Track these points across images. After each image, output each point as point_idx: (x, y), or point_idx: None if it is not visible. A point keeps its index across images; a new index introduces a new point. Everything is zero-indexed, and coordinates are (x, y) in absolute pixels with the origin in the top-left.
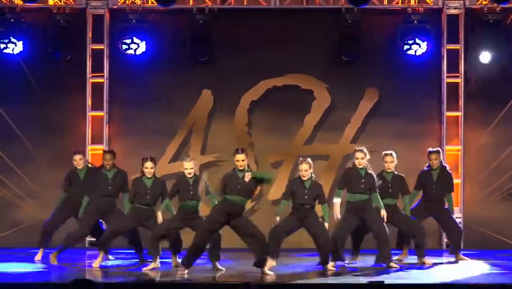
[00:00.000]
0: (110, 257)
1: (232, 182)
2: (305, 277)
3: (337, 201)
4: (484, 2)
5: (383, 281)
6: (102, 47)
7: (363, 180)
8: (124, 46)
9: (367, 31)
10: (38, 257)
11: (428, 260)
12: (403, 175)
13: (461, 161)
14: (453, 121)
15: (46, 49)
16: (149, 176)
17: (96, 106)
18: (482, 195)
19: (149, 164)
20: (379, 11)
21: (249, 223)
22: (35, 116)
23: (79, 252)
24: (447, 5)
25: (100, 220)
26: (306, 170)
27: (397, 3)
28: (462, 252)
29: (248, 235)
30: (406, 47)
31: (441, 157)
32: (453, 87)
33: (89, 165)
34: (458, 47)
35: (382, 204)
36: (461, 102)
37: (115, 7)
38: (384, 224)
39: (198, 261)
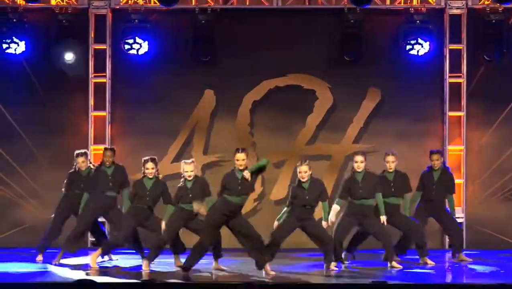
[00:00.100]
0: (114, 257)
1: (231, 182)
2: (307, 277)
3: (336, 208)
4: (486, 2)
5: (386, 281)
6: (105, 47)
7: (360, 186)
8: (127, 46)
9: (369, 31)
10: (40, 258)
11: (430, 260)
12: (405, 173)
13: (463, 161)
14: (456, 121)
15: (48, 49)
16: (150, 176)
17: (99, 106)
18: (484, 195)
19: (150, 164)
20: (382, 11)
21: (247, 225)
22: (37, 116)
23: (81, 252)
24: (449, 5)
25: (101, 222)
26: (305, 171)
27: (400, 3)
28: (464, 252)
29: (245, 236)
30: (408, 47)
31: (443, 158)
32: (455, 87)
33: (92, 166)
34: (461, 47)
35: (383, 210)
36: (464, 102)
37: (118, 7)
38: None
39: (203, 261)
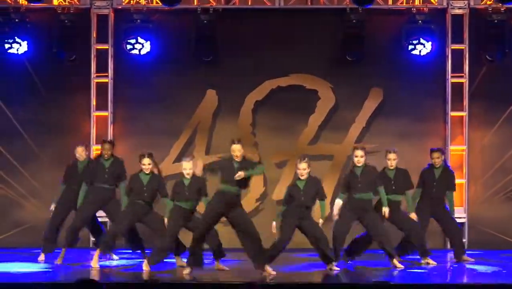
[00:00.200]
0: (115, 256)
1: (227, 170)
2: (308, 277)
3: (338, 202)
4: (488, 2)
5: (388, 282)
6: (107, 47)
7: (359, 180)
8: (129, 46)
9: (371, 31)
10: (42, 257)
11: (432, 260)
12: (406, 169)
13: (466, 161)
14: (458, 121)
15: (50, 49)
16: (147, 172)
17: (101, 106)
18: (487, 195)
19: (146, 160)
20: (384, 11)
21: (245, 220)
22: (39, 115)
23: (83, 252)
24: (451, 5)
25: (101, 222)
26: (304, 168)
27: (402, 3)
28: (466, 252)
29: (243, 232)
30: (410, 47)
31: (443, 155)
32: (457, 87)
33: (91, 158)
34: (463, 47)
35: (385, 201)
36: (466, 102)
37: (120, 7)
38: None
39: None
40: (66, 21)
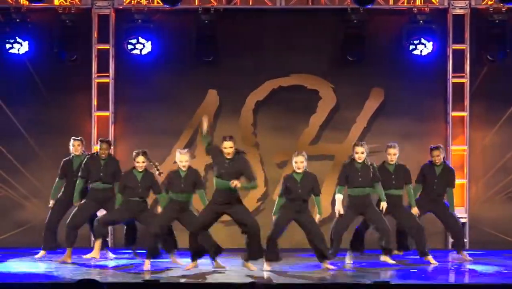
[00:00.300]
0: (110, 254)
1: (219, 165)
2: (309, 277)
3: (339, 197)
4: (489, 2)
5: (389, 281)
6: (108, 47)
7: (359, 174)
8: (130, 46)
9: (372, 31)
10: (40, 255)
11: (433, 259)
12: (405, 165)
13: (467, 161)
14: (459, 121)
15: (51, 49)
16: (140, 170)
17: (102, 106)
18: (488, 195)
19: (140, 158)
20: (385, 11)
21: (243, 212)
22: (41, 116)
23: (84, 252)
24: (452, 5)
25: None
26: (301, 162)
27: (403, 3)
28: (467, 252)
29: (241, 224)
30: (411, 47)
31: (443, 153)
32: (458, 87)
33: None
34: (464, 47)
35: (384, 196)
36: (467, 102)
37: (121, 7)
38: (385, 218)
39: (203, 261)
40: (67, 21)
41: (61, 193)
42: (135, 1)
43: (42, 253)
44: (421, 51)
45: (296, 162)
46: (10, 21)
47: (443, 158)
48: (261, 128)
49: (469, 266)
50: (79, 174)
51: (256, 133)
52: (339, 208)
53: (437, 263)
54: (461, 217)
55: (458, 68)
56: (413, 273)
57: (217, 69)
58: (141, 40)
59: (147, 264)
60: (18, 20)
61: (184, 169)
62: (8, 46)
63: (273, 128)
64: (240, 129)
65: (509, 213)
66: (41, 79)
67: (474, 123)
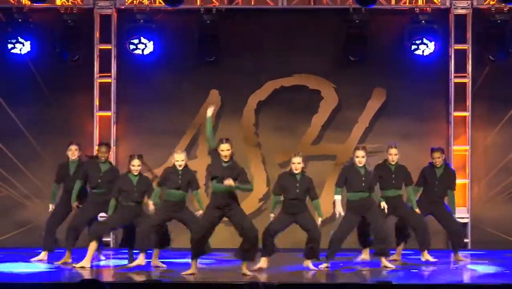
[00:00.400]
0: (102, 257)
1: (215, 166)
2: (309, 277)
3: (338, 198)
4: (491, 2)
5: (391, 281)
6: (110, 47)
7: (363, 179)
8: (132, 46)
9: (374, 31)
10: (39, 258)
11: (431, 257)
12: (405, 166)
13: (469, 161)
14: (461, 121)
15: (53, 49)
16: (135, 173)
17: (104, 106)
18: (490, 195)
19: (136, 162)
20: (387, 11)
21: (241, 217)
22: (43, 116)
23: (84, 252)
24: (454, 5)
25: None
26: (299, 162)
27: (405, 3)
28: (469, 252)
29: (239, 228)
30: (413, 47)
31: (444, 155)
32: (460, 87)
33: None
34: (466, 47)
35: (381, 198)
36: (469, 102)
37: (123, 7)
38: (385, 222)
39: (205, 261)
40: (69, 21)
41: (60, 197)
42: (137, 1)
43: (43, 254)
44: (423, 51)
45: (294, 163)
46: (12, 21)
47: (444, 159)
48: (263, 128)
49: (471, 266)
50: (79, 176)
51: (258, 133)
52: (339, 210)
53: (436, 259)
54: (463, 217)
55: (460, 68)
56: (415, 273)
57: (219, 69)
58: (143, 40)
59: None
60: (20, 20)
61: (180, 168)
62: (10, 46)
63: (275, 128)
64: (242, 129)
65: (511, 213)
66: (43, 79)
67: (476, 123)
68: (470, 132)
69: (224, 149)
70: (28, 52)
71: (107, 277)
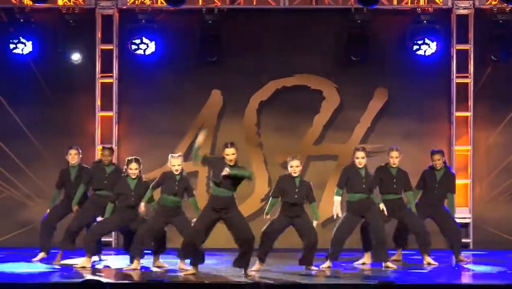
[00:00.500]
0: (103, 257)
1: (217, 171)
2: (313, 277)
3: (337, 199)
4: (493, 2)
5: (393, 282)
6: (112, 47)
7: (364, 180)
8: (134, 46)
9: (376, 31)
10: (38, 258)
11: (432, 261)
12: (406, 172)
13: (470, 161)
14: (463, 121)
15: (55, 49)
16: (133, 177)
17: (106, 106)
18: (492, 195)
19: (133, 165)
20: (388, 11)
21: (239, 222)
22: (44, 116)
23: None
24: (456, 5)
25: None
26: (297, 166)
27: (407, 3)
28: (471, 252)
29: (235, 235)
30: (415, 47)
31: (444, 157)
32: (462, 87)
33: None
34: (468, 47)
35: (380, 200)
36: (471, 102)
37: (125, 7)
38: (384, 225)
39: (207, 261)
40: (71, 21)
41: (60, 199)
42: (139, 1)
43: (41, 255)
44: (424, 51)
45: (291, 166)
46: (14, 21)
47: (445, 162)
48: (265, 128)
49: (472, 267)
50: (83, 180)
51: (260, 133)
52: (337, 211)
53: (437, 264)
54: (465, 217)
55: (462, 68)
56: (417, 273)
57: (220, 69)
58: (145, 40)
59: (136, 264)
60: (22, 20)
61: (176, 173)
62: (12, 46)
63: (277, 128)
64: (243, 129)
65: None
66: (44, 79)
67: (478, 123)
68: (472, 132)
69: (229, 153)
70: (30, 52)
71: (108, 277)
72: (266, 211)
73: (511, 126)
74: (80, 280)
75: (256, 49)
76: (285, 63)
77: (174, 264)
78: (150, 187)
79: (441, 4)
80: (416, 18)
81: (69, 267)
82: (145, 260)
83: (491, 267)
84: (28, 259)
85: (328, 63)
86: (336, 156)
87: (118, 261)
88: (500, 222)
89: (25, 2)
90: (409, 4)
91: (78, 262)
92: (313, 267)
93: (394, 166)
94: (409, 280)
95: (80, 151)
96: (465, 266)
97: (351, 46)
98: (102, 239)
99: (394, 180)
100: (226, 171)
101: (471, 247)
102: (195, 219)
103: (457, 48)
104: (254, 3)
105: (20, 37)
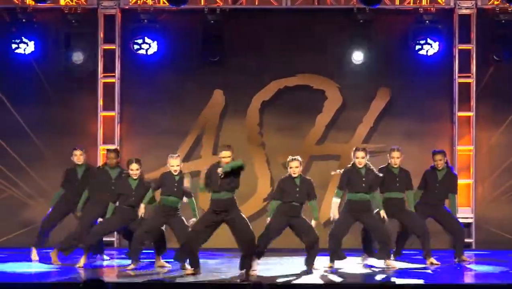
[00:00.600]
0: (105, 257)
1: (212, 176)
2: (315, 277)
3: (336, 201)
4: (496, 2)
5: (394, 282)
6: (114, 47)
7: (363, 179)
8: (136, 46)
9: (378, 31)
10: (35, 257)
11: (435, 261)
12: (408, 171)
13: (473, 161)
14: (465, 121)
15: (57, 49)
16: (134, 178)
17: (108, 106)
18: (494, 195)
19: (134, 166)
20: (391, 11)
21: (240, 225)
22: (46, 115)
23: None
24: (458, 5)
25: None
26: (296, 166)
27: (409, 3)
28: (473, 252)
29: (236, 236)
30: (417, 47)
31: (446, 158)
32: (464, 87)
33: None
34: (470, 47)
35: (381, 205)
36: (473, 102)
37: (127, 7)
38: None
39: (210, 261)
40: (73, 21)
41: (59, 201)
42: (141, 1)
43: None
44: (427, 51)
45: (291, 167)
46: (16, 21)
47: (447, 162)
48: (267, 128)
49: (475, 266)
50: (85, 185)
51: (262, 133)
52: (334, 213)
53: (439, 263)
54: (467, 217)
55: (464, 68)
56: (418, 273)
57: (223, 69)
58: (147, 40)
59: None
60: (24, 20)
61: (175, 173)
62: (14, 46)
63: (279, 128)
64: (246, 129)
65: None
66: (46, 79)
67: (480, 123)
68: (474, 132)
69: (226, 156)
70: (32, 52)
71: (110, 277)
72: (267, 214)
73: None
74: (83, 280)
75: (258, 49)
76: (287, 63)
77: (175, 264)
78: (151, 189)
79: (444, 4)
80: (419, 18)
81: (70, 267)
82: (147, 260)
83: (493, 267)
84: (29, 259)
85: (330, 63)
86: (338, 156)
87: (120, 261)
88: (502, 222)
89: (27, 2)
90: (412, 4)
91: (78, 261)
92: (316, 267)
93: (396, 166)
94: (411, 280)
95: (84, 150)
96: (468, 266)
97: (353, 46)
98: (104, 239)
99: (397, 179)
100: (220, 171)
101: (473, 247)
102: (192, 220)
103: (459, 48)
104: (256, 3)
105: (22, 37)
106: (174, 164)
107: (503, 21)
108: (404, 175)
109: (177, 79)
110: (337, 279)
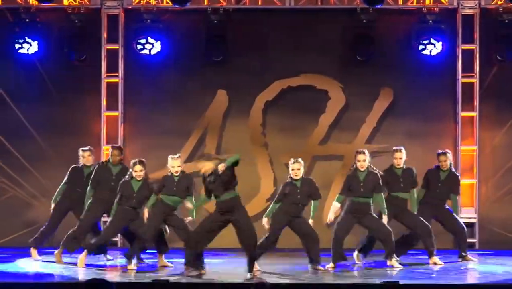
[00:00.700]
0: (109, 256)
1: (210, 184)
2: (318, 276)
3: (335, 204)
4: (499, 2)
5: (398, 281)
6: (117, 47)
7: (362, 184)
8: (139, 46)
9: (382, 31)
10: (36, 256)
11: (439, 260)
12: (412, 168)
13: (476, 161)
14: (468, 121)
15: (61, 49)
16: (138, 179)
17: (111, 106)
18: (497, 195)
19: (138, 167)
20: (394, 11)
21: (244, 224)
22: (50, 116)
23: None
24: (462, 5)
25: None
26: (298, 168)
27: (412, 3)
28: (476, 252)
29: (240, 236)
30: (421, 47)
31: (450, 159)
32: (468, 87)
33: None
34: (473, 47)
35: (385, 208)
36: (476, 102)
37: (130, 7)
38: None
39: (212, 261)
40: (76, 21)
41: (62, 196)
42: (144, 1)
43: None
44: (430, 51)
45: (293, 170)
46: (19, 21)
47: (450, 164)
48: (270, 128)
49: (478, 266)
50: (90, 184)
51: (265, 133)
52: (330, 216)
53: (443, 263)
54: (470, 217)
55: (468, 68)
56: (421, 273)
57: (226, 69)
58: (150, 40)
59: (132, 265)
60: (27, 20)
61: (176, 174)
62: (17, 46)
63: (282, 128)
64: (249, 129)
65: None
66: (50, 79)
67: (484, 123)
68: (478, 132)
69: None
70: (35, 52)
71: (114, 276)
72: (266, 214)
73: None
74: (87, 279)
75: (262, 49)
76: (290, 63)
77: (178, 264)
78: (154, 193)
79: (447, 4)
80: (422, 18)
81: (72, 267)
82: (149, 260)
83: (497, 266)
84: (33, 259)
85: (333, 63)
86: (341, 156)
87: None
88: (506, 222)
89: (31, 2)
90: (415, 4)
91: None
92: (319, 267)
93: (399, 166)
94: (415, 280)
95: (92, 151)
96: (471, 266)
97: (357, 46)
98: None
99: (401, 179)
100: (221, 168)
101: (476, 247)
102: (188, 218)
103: (462, 48)
104: (260, 3)
105: (26, 37)
106: (175, 164)
107: (507, 21)
108: (407, 175)
109: (180, 79)
110: (339, 279)
